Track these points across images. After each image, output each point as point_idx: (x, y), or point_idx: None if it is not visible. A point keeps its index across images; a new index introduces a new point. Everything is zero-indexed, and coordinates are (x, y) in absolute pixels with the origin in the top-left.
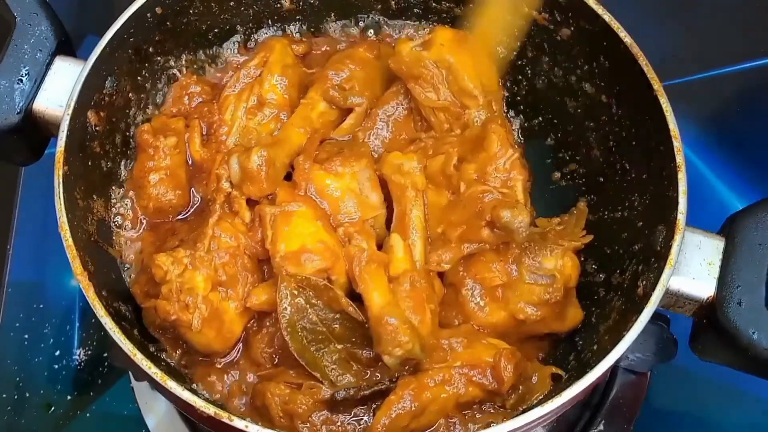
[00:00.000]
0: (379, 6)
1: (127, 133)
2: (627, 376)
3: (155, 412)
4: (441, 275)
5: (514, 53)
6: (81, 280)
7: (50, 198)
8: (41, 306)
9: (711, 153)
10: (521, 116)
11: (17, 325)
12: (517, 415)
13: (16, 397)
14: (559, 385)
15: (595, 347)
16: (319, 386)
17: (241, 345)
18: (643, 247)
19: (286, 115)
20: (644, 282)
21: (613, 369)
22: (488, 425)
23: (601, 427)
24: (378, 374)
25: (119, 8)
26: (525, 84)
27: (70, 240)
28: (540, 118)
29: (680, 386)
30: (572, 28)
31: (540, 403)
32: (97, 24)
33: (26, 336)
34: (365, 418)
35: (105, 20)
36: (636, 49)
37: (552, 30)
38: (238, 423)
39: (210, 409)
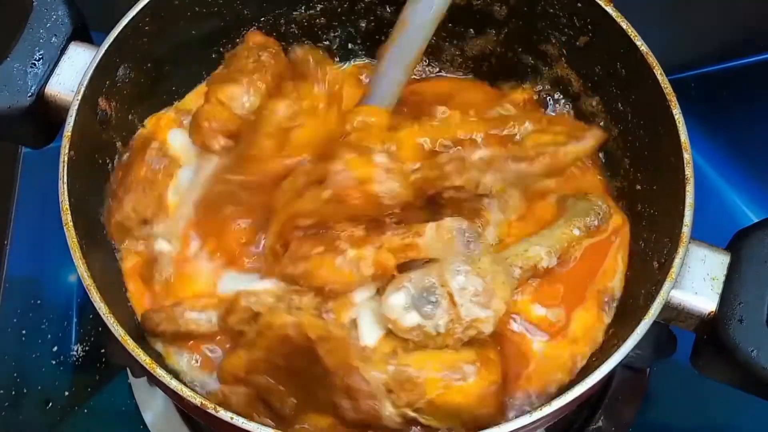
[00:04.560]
0: None
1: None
2: (626, 372)
3: (153, 408)
4: None
5: None
6: (79, 265)
7: (48, 194)
8: (39, 302)
9: (725, 162)
10: None
11: (15, 320)
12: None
13: (13, 392)
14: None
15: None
16: None
17: None
18: (648, 257)
19: None
20: (645, 293)
21: None
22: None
23: (600, 423)
24: None
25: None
26: None
27: (71, 225)
28: None
29: (679, 382)
30: (590, 35)
31: (532, 410)
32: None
33: (24, 332)
34: None
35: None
36: (651, 58)
37: (571, 36)
38: (223, 414)
39: (196, 399)
